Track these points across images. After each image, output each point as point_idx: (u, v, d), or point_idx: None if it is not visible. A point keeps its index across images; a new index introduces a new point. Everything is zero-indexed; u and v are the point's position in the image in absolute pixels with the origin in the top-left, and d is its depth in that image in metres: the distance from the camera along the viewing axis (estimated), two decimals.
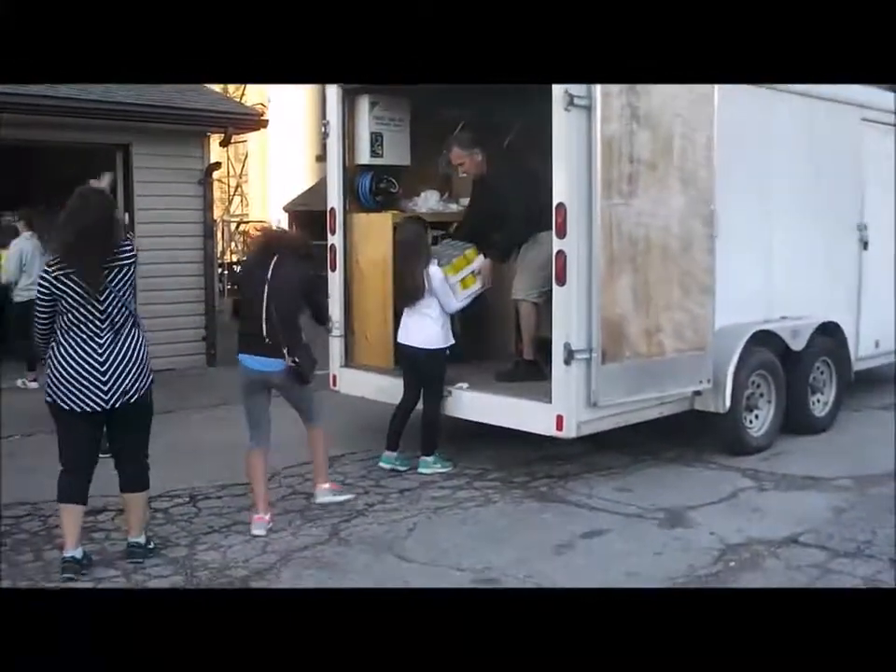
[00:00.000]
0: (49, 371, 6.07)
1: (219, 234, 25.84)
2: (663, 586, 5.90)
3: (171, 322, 13.51)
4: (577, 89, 7.20)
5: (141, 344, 6.13)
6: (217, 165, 15.40)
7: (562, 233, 7.43)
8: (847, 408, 10.29)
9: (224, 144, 15.46)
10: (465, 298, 8.68)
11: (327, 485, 7.71)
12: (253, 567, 6.32)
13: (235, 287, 8.23)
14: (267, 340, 6.98)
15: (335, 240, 9.31)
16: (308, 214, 23.14)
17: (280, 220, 26.22)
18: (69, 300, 5.90)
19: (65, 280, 5.88)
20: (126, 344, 6.03)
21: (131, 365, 6.03)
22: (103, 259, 5.89)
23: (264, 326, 6.98)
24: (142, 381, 6.10)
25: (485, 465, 8.53)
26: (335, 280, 9.33)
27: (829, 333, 9.80)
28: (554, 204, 7.43)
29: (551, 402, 7.62)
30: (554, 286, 7.56)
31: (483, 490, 7.91)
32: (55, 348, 6.01)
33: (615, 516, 7.26)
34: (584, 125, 7.31)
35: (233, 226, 30.22)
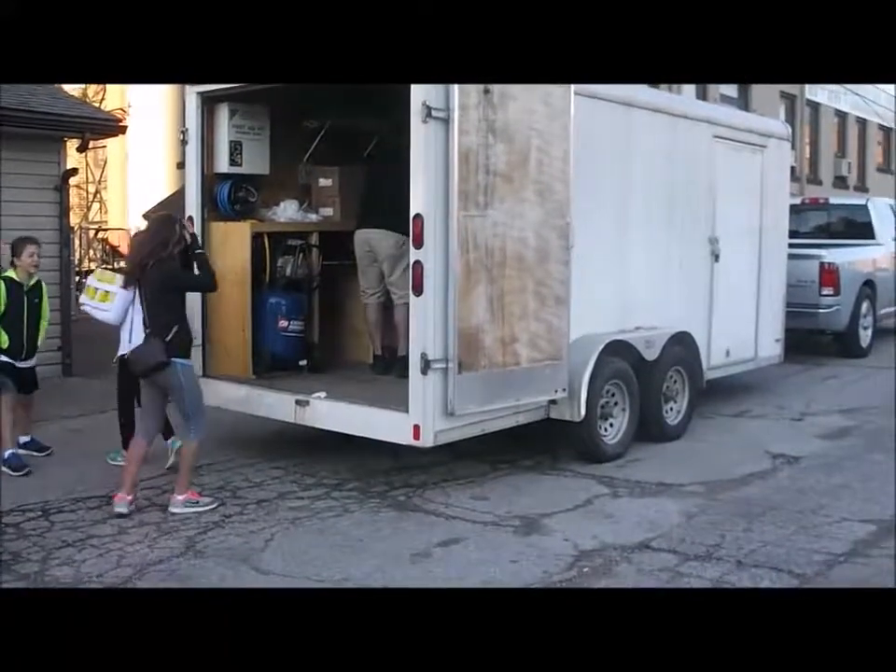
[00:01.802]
0: None
1: (77, 241, 25.33)
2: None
3: None
4: (435, 101, 7.26)
5: None
6: (75, 171, 15.10)
7: (419, 244, 7.47)
8: (700, 416, 10.54)
9: (81, 149, 15.16)
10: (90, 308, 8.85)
11: (181, 497, 7.65)
12: (107, 582, 6.22)
13: None
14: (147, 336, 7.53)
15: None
16: None
17: (139, 227, 25.82)
18: None
19: None
20: None
21: None
22: None
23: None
24: None
25: (343, 475, 8.53)
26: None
27: (681, 343, 10.03)
28: (412, 215, 7.48)
29: (407, 412, 7.65)
30: (411, 296, 7.60)
31: (342, 500, 7.91)
32: None
33: (472, 524, 7.33)
34: (442, 137, 7.37)
35: (92, 233, 29.63)
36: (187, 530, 7.19)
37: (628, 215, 9.50)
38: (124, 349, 8.46)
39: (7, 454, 8.70)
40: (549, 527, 7.26)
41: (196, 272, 7.81)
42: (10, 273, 8.84)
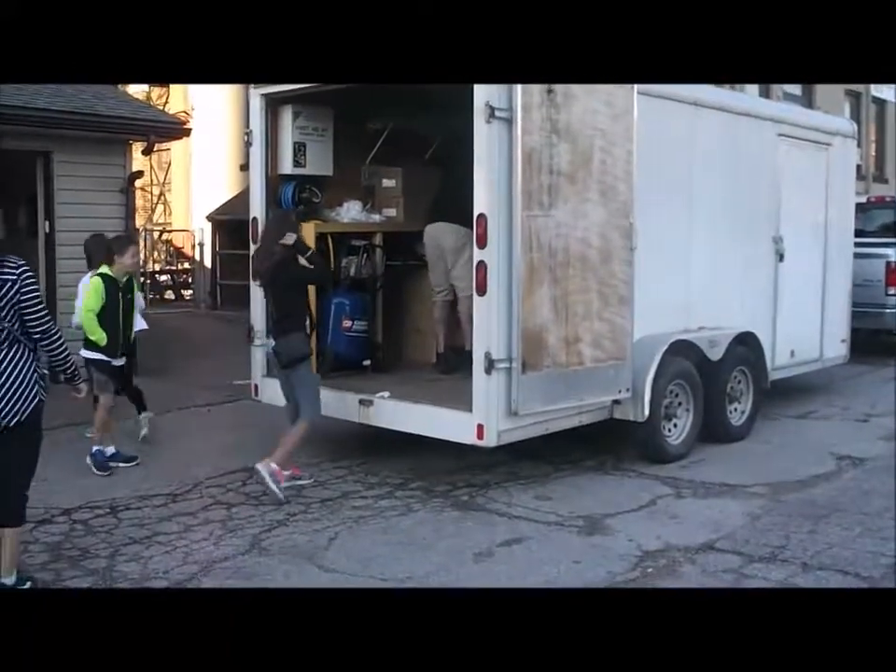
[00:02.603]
0: None
1: (142, 243, 25.62)
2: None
3: None
4: (498, 101, 7.27)
5: (22, 367, 5.66)
6: (140, 174, 15.29)
7: (483, 244, 7.49)
8: (764, 417, 10.47)
9: (147, 152, 15.35)
10: None
11: (273, 465, 7.87)
12: (173, 578, 6.30)
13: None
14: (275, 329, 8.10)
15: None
16: (231, 223, 23.01)
17: (203, 229, 26.05)
18: None
19: None
20: (7, 365, 5.60)
21: (11, 386, 5.58)
22: None
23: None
24: (19, 405, 5.62)
25: (407, 474, 8.56)
26: (257, 290, 9.30)
27: (746, 343, 9.97)
28: (475, 215, 7.50)
29: (471, 411, 7.66)
30: (475, 296, 7.62)
31: (405, 499, 7.94)
32: None
33: (535, 524, 7.33)
34: (505, 137, 7.39)
35: (156, 234, 29.96)
36: (252, 528, 7.26)
37: (692, 214, 9.45)
38: None
39: (94, 449, 8.78)
40: (612, 528, 7.25)
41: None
42: (106, 271, 8.80)
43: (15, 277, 5.53)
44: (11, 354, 5.63)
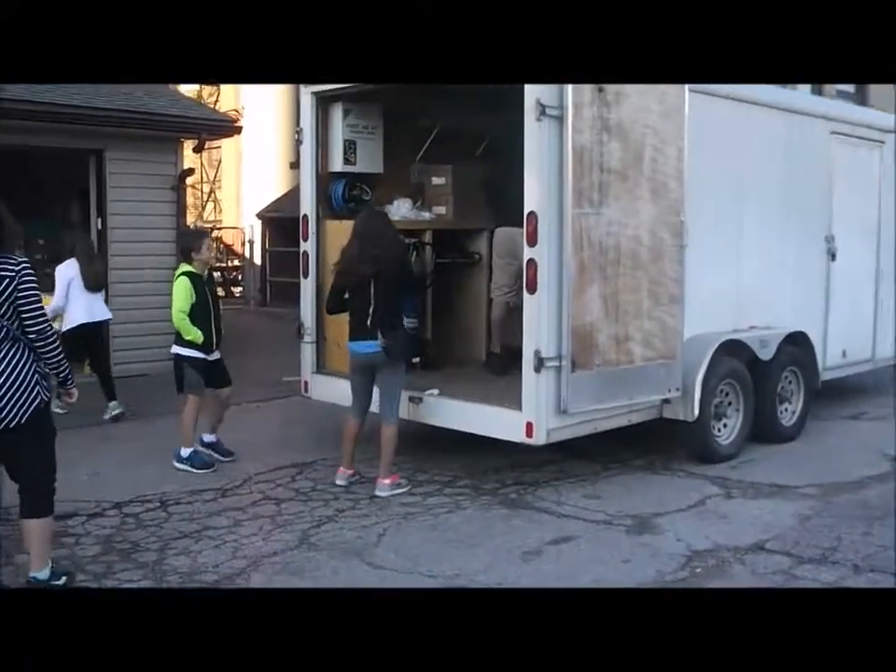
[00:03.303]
0: None
1: None
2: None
3: (143, 328, 13.49)
4: (549, 99, 7.26)
5: (22, 368, 5.57)
6: (191, 171, 15.40)
7: (533, 242, 7.48)
8: (815, 417, 10.37)
9: (197, 150, 15.44)
10: None
11: (387, 481, 7.97)
12: (223, 572, 6.34)
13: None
14: (370, 326, 7.94)
15: (307, 246, 9.35)
16: (281, 220, 23.13)
17: (253, 227, 26.21)
18: None
19: None
20: (5, 366, 5.52)
21: (9, 387, 5.50)
22: None
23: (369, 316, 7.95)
24: (23, 405, 5.54)
25: (456, 471, 8.57)
26: (307, 286, 9.37)
27: (797, 343, 9.89)
28: (525, 213, 7.49)
29: (521, 409, 7.66)
30: (525, 294, 7.62)
31: (454, 496, 7.95)
32: None
33: (583, 523, 7.31)
34: (556, 135, 7.38)
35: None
36: (301, 523, 7.29)
37: (743, 213, 9.39)
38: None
39: (186, 452, 8.78)
40: (661, 527, 7.22)
41: None
42: (189, 268, 8.80)
43: (13, 274, 5.47)
44: (11, 353, 5.56)
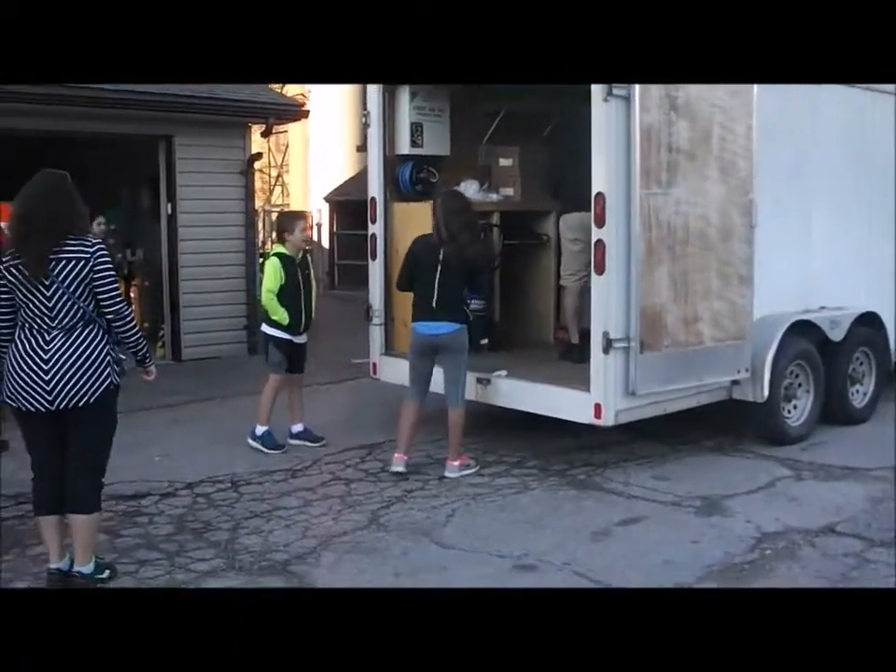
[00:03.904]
0: (5, 366, 5.71)
1: (260, 224, 25.93)
2: (699, 574, 5.95)
3: (213, 311, 13.65)
4: None
5: (96, 348, 5.60)
6: (259, 156, 15.49)
7: (601, 223, 7.47)
8: (887, 399, 10.22)
9: (265, 134, 15.53)
10: None
11: (456, 462, 8.01)
12: (293, 552, 6.41)
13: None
14: (437, 307, 7.91)
15: (376, 229, 9.39)
16: (349, 203, 23.22)
17: (321, 210, 26.32)
18: (20, 292, 5.54)
19: (14, 271, 5.53)
20: (78, 346, 5.54)
21: (79, 367, 5.52)
22: (45, 249, 5.48)
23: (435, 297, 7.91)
24: (92, 385, 5.56)
25: (524, 452, 8.58)
26: (375, 268, 9.40)
27: (868, 324, 9.76)
28: (593, 194, 7.47)
29: (589, 391, 7.66)
30: (593, 275, 7.61)
31: (522, 477, 7.97)
32: (13, 343, 5.64)
33: (652, 504, 7.31)
34: (623, 115, 7.35)
35: (274, 216, 30.33)
36: (370, 504, 7.35)
37: (813, 191, 9.27)
38: None
39: (260, 430, 8.86)
40: (731, 509, 7.18)
41: None
42: (282, 249, 8.89)
43: (88, 256, 5.52)
44: (84, 334, 5.59)
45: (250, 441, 8.83)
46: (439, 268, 7.89)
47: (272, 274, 8.73)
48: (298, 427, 9.07)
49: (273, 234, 28.77)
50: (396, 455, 8.09)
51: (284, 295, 8.73)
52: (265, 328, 8.92)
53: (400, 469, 8.01)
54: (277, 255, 8.82)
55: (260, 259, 23.66)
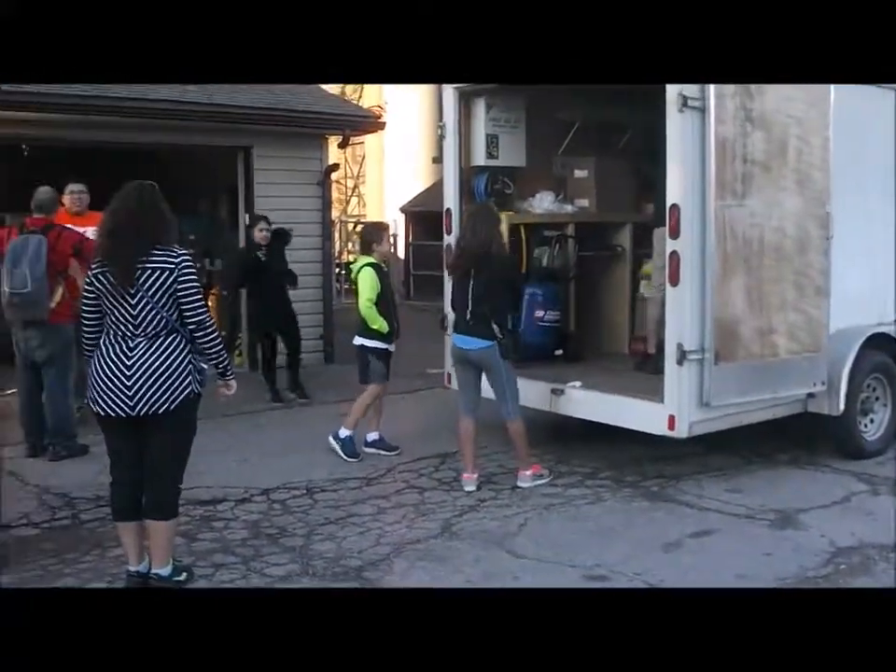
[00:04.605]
0: (89, 371, 5.85)
1: (337, 234, 26.13)
2: (772, 587, 5.91)
3: None
4: (690, 90, 7.23)
5: (178, 356, 5.68)
6: (336, 167, 15.62)
7: (675, 234, 7.47)
8: None
9: (342, 146, 15.67)
10: None
11: (528, 472, 8.02)
12: (367, 558, 6.48)
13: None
14: (470, 322, 7.87)
15: (451, 240, 9.43)
16: (424, 214, 23.34)
17: (396, 221, 26.48)
18: (107, 299, 5.65)
19: (101, 278, 5.64)
20: (160, 354, 5.63)
21: (160, 375, 5.61)
22: (133, 258, 5.58)
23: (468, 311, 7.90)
24: (172, 393, 5.64)
25: (597, 463, 8.58)
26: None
27: None
28: (668, 205, 7.47)
29: (663, 402, 7.65)
30: (668, 286, 7.61)
31: (594, 488, 7.98)
32: (98, 349, 5.76)
33: (725, 516, 7.28)
34: (698, 126, 7.34)
35: (350, 226, 30.54)
36: (443, 512, 7.41)
37: (889, 203, 9.15)
38: None
39: (344, 433, 8.93)
40: (805, 523, 7.13)
41: None
42: (373, 260, 8.96)
43: (173, 266, 5.61)
44: (167, 343, 5.66)
45: (331, 441, 8.92)
46: (471, 282, 7.89)
47: (370, 284, 8.79)
48: (373, 436, 9.12)
49: (349, 244, 29.08)
50: (465, 475, 8.07)
51: (379, 304, 8.82)
52: (363, 340, 8.94)
53: (471, 488, 7.96)
54: (370, 265, 8.88)
55: (343, 270, 23.94)
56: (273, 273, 11.25)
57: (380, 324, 8.77)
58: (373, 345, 8.88)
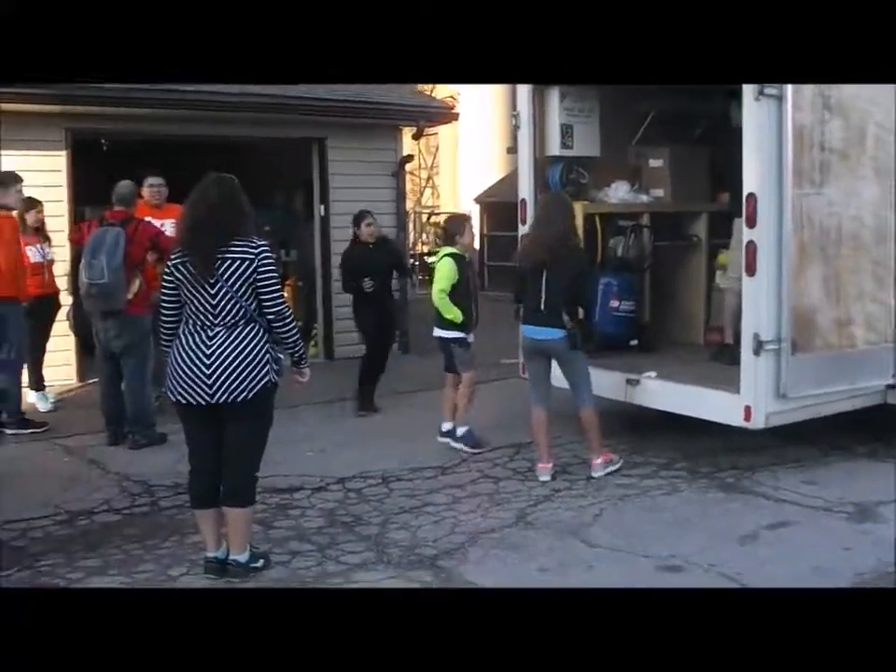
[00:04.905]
0: (168, 360, 5.96)
1: (411, 225, 26.22)
2: (850, 581, 5.84)
3: None
4: None
5: (256, 345, 5.76)
6: (410, 158, 15.70)
7: (752, 223, 7.41)
8: None
9: (416, 137, 15.74)
10: None
11: (599, 460, 8.02)
12: (441, 547, 6.52)
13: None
14: (542, 313, 7.85)
15: (525, 230, 9.44)
16: (499, 205, 23.33)
17: (470, 212, 26.51)
18: (186, 289, 5.75)
19: (182, 268, 5.75)
20: (239, 343, 5.71)
21: (239, 363, 5.69)
22: (213, 248, 5.69)
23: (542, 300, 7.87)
24: (251, 381, 5.71)
25: (672, 454, 8.54)
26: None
27: None
28: (745, 194, 7.42)
29: (739, 393, 7.60)
30: (744, 276, 7.55)
31: (670, 479, 7.95)
32: (177, 339, 5.86)
33: (802, 509, 7.21)
34: (775, 115, 7.28)
35: (424, 217, 30.64)
36: (518, 502, 7.42)
37: None
38: None
39: (461, 430, 8.99)
40: (884, 516, 7.02)
41: None
42: (454, 250, 9.00)
43: (253, 257, 5.69)
44: (245, 332, 5.74)
45: (451, 444, 8.96)
46: (544, 273, 7.86)
47: (446, 275, 8.83)
48: (448, 426, 9.14)
49: (423, 236, 29.16)
50: (539, 465, 8.08)
51: (456, 294, 8.83)
52: (440, 332, 8.97)
53: (546, 478, 7.97)
54: (451, 255, 8.92)
55: (417, 262, 24.03)
56: (383, 270, 10.59)
57: (453, 314, 8.79)
58: (452, 336, 8.91)
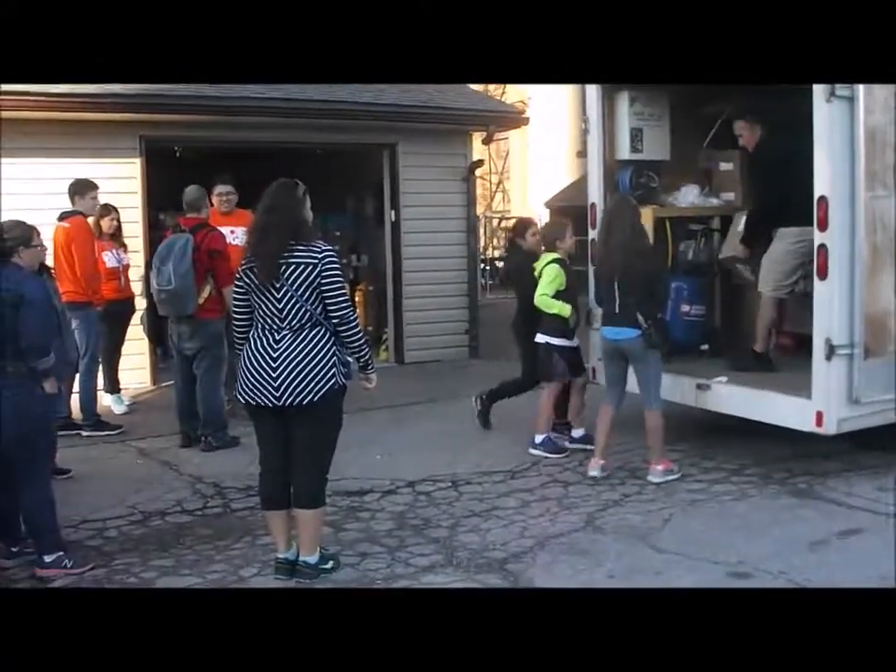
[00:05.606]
0: (239, 363, 6.07)
1: (482, 230, 26.25)
2: None
3: (436, 315, 13.94)
4: None
5: (322, 349, 5.81)
6: (480, 163, 15.71)
7: (823, 227, 7.35)
8: None
9: (486, 142, 15.77)
10: None
11: (660, 467, 8.00)
12: (510, 550, 6.53)
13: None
14: (618, 313, 7.95)
15: (595, 234, 9.43)
16: (569, 209, 23.28)
17: (541, 216, 26.50)
18: (255, 294, 5.85)
19: (250, 273, 5.86)
20: (305, 346, 5.78)
21: (305, 366, 5.75)
22: (276, 253, 5.76)
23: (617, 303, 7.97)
24: (317, 385, 5.76)
25: (742, 459, 8.48)
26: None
27: None
28: (816, 197, 7.36)
29: (810, 398, 7.54)
30: (815, 280, 7.49)
31: (740, 485, 7.89)
32: (247, 342, 5.96)
33: (875, 516, 7.11)
34: (847, 116, 7.22)
35: (495, 222, 30.69)
36: (587, 506, 7.42)
37: None
38: None
39: (539, 438, 8.96)
40: None
41: None
42: (559, 255, 8.96)
43: (317, 261, 5.75)
44: (311, 336, 5.80)
45: (531, 451, 8.91)
46: (617, 275, 7.93)
47: (552, 280, 8.77)
48: (579, 432, 9.10)
49: (494, 240, 29.17)
50: (592, 459, 8.17)
51: (563, 298, 8.80)
52: (546, 338, 8.89)
53: (596, 473, 8.06)
54: (557, 261, 8.87)
55: (488, 266, 24.03)
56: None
57: (559, 307, 8.73)
58: (558, 344, 8.83)
